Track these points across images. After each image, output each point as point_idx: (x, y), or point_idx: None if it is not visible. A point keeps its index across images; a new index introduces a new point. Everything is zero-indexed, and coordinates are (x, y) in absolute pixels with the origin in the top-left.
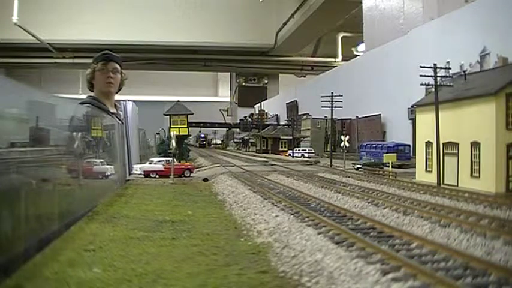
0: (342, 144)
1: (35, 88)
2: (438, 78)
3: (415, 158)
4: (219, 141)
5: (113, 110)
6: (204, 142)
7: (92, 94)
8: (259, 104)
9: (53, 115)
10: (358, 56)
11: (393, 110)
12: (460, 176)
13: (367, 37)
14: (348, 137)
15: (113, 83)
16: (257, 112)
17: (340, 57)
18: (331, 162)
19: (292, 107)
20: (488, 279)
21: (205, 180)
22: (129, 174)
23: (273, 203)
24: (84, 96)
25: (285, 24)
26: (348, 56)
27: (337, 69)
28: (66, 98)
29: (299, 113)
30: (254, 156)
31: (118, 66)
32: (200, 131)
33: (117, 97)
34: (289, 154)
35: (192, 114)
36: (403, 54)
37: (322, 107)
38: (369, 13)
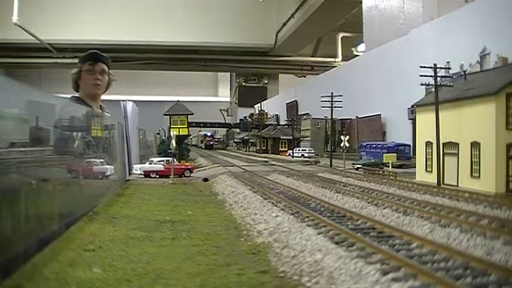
0: (342, 144)
1: (34, 88)
2: (438, 78)
3: (415, 158)
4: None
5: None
6: (212, 142)
7: (76, 94)
8: (259, 104)
9: (52, 115)
10: (358, 56)
11: (393, 110)
12: (460, 176)
13: (367, 37)
14: (348, 137)
15: (100, 84)
16: (257, 112)
17: (340, 57)
18: (331, 162)
19: (292, 107)
20: (488, 279)
21: (205, 180)
22: (129, 174)
23: (273, 203)
24: None
25: (285, 24)
26: (348, 56)
27: (337, 69)
28: (64, 98)
29: (299, 113)
30: (254, 156)
31: (106, 67)
32: (200, 130)
33: (117, 97)
34: (289, 154)
35: (192, 114)
36: (403, 54)
37: (322, 107)
38: (369, 13)
